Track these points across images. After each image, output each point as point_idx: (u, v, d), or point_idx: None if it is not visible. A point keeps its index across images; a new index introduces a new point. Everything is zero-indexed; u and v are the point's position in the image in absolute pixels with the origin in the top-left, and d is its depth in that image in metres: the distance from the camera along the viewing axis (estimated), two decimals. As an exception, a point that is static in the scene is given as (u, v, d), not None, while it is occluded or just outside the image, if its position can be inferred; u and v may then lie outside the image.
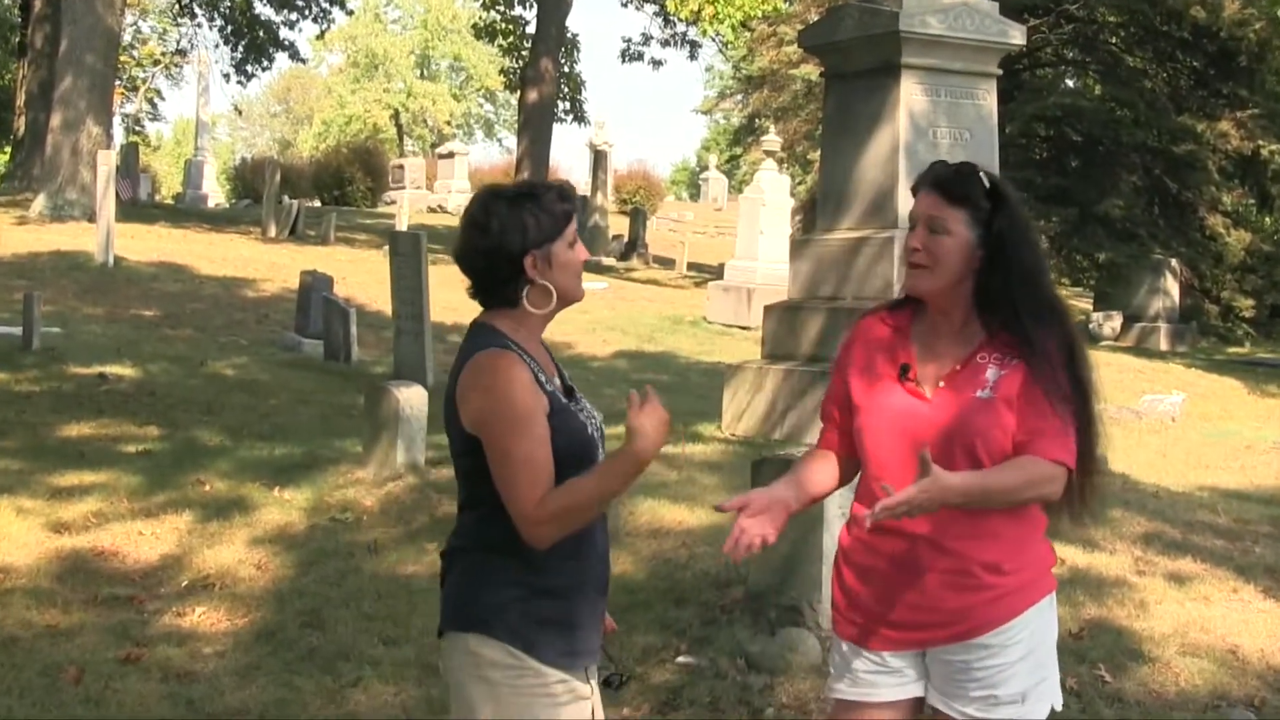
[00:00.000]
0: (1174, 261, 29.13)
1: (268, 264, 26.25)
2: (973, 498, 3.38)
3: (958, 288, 3.54)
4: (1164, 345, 27.70)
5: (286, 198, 35.22)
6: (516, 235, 3.38)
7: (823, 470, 3.75)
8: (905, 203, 10.45)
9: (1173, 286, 29.04)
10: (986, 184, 3.54)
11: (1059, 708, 3.61)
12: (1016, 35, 11.47)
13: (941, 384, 3.52)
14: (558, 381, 3.51)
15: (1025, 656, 3.51)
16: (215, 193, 51.15)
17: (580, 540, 3.41)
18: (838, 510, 6.08)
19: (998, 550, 3.47)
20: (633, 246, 36.72)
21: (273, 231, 31.78)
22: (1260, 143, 29.51)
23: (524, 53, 36.26)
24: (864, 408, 3.59)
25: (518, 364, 3.34)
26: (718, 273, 29.28)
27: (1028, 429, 3.44)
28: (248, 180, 52.48)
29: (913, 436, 3.48)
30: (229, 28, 43.54)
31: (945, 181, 3.56)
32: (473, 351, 3.39)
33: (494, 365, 3.33)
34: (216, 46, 39.30)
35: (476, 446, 3.35)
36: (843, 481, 3.77)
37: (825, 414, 3.78)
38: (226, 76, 34.24)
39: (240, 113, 62.67)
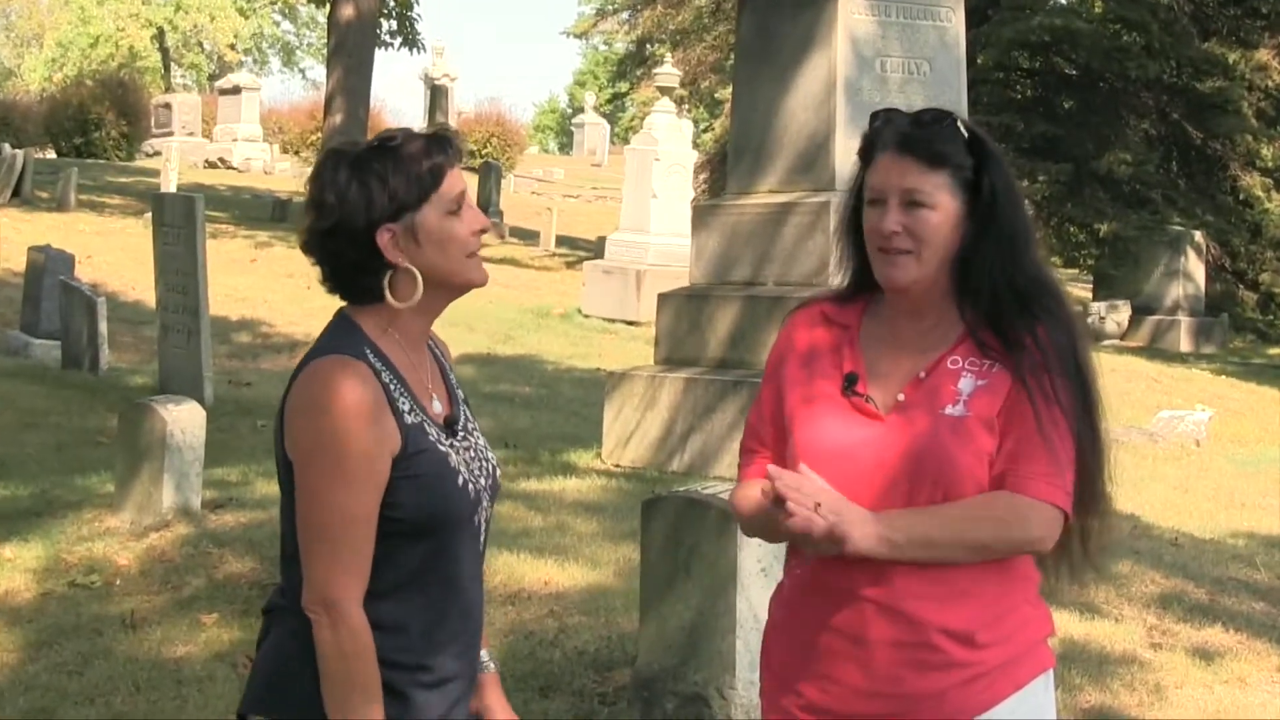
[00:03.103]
0: (1198, 235, 29.58)
1: (-17, 237, 25.86)
2: (913, 543, 3.39)
3: (940, 273, 3.56)
4: (1185, 345, 28.13)
5: (8, 147, 34.70)
6: (359, 206, 3.35)
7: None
8: (844, 156, 10.52)
9: (1196, 268, 29.51)
10: (965, 134, 3.57)
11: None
12: (991, -66, 11.61)
13: (901, 398, 3.53)
14: (437, 408, 3.48)
15: (1008, 756, 3.54)
16: (-94, 140, 50.37)
17: (442, 602, 3.41)
18: (756, 566, 6.10)
19: (970, 615, 3.48)
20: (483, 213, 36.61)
21: (-10, 193, 31.32)
22: (1310, 78, 29.98)
23: (334, -47, 36.06)
24: (799, 429, 3.59)
25: (360, 381, 3.30)
26: (596, 249, 29.33)
27: (1006, 454, 3.46)
28: (-47, 123, 51.66)
29: (860, 467, 3.48)
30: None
31: (915, 139, 3.54)
32: (319, 353, 3.37)
33: (326, 378, 3.30)
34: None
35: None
36: None
37: (752, 437, 3.75)
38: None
39: (-57, 31, 61.68)
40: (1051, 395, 3.46)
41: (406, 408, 3.36)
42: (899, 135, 3.56)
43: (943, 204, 3.51)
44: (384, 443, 3.30)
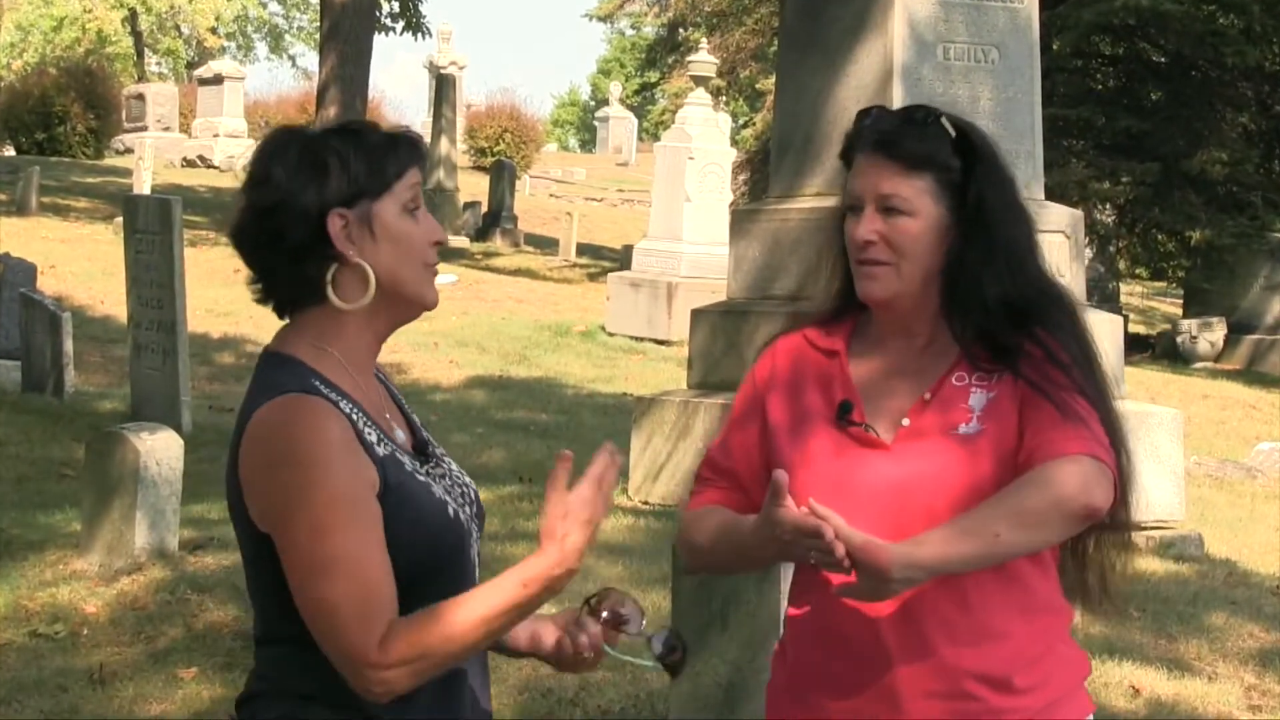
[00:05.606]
0: (1304, 243, 29.56)
1: (-66, 244, 25.94)
2: (941, 539, 3.35)
3: (927, 288, 3.60)
4: (1289, 368, 28.08)
5: (-37, 143, 34.91)
6: (311, 183, 3.22)
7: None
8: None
9: (1302, 281, 29.47)
10: (952, 132, 3.60)
11: None
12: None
13: (905, 422, 3.56)
14: (400, 435, 3.36)
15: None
16: None
17: (446, 680, 3.26)
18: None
19: (1004, 657, 3.51)
20: (495, 219, 36.62)
21: (-57, 195, 31.46)
22: None
23: (328, -74, 36.18)
24: (795, 467, 3.57)
25: (324, 415, 3.15)
26: (622, 259, 29.34)
27: (1027, 445, 3.45)
28: (-99, 116, 51.90)
29: (869, 502, 3.48)
30: None
31: (893, 138, 3.59)
32: (259, 399, 3.20)
33: (287, 421, 3.13)
34: None
35: (271, 551, 3.17)
36: None
37: (711, 468, 3.77)
38: None
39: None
40: (1066, 384, 3.48)
41: (374, 438, 3.23)
42: (877, 135, 3.60)
43: (924, 211, 3.55)
44: (368, 480, 3.16)
